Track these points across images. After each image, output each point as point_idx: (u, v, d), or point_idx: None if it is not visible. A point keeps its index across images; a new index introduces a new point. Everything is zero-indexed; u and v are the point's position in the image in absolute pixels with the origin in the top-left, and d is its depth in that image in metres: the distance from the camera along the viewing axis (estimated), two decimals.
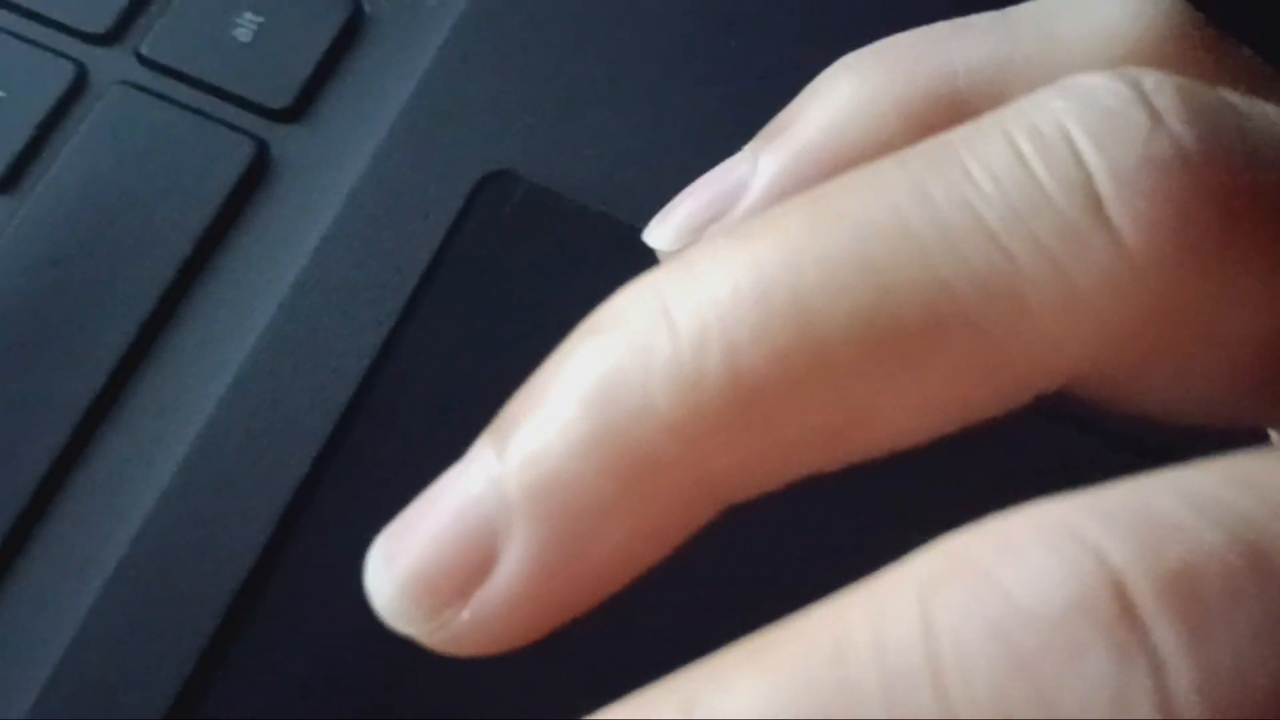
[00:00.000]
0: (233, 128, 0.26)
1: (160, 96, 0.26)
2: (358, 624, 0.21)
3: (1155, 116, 0.13)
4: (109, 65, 0.26)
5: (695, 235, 0.18)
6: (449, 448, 0.16)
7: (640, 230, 0.20)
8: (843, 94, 0.18)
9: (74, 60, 0.26)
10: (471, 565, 0.14)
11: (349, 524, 0.23)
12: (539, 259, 0.25)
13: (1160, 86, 0.14)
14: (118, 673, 0.22)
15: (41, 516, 0.23)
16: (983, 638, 0.11)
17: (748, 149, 0.19)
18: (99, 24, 0.26)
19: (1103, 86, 0.14)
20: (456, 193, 0.25)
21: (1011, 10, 0.18)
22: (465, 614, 0.14)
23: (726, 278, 0.14)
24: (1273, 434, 0.16)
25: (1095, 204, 0.13)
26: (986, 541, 0.12)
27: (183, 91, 0.26)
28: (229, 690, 0.22)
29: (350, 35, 0.27)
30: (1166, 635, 0.11)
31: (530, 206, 0.25)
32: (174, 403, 0.24)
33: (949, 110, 0.17)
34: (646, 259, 0.19)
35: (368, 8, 0.27)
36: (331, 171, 0.26)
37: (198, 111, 0.26)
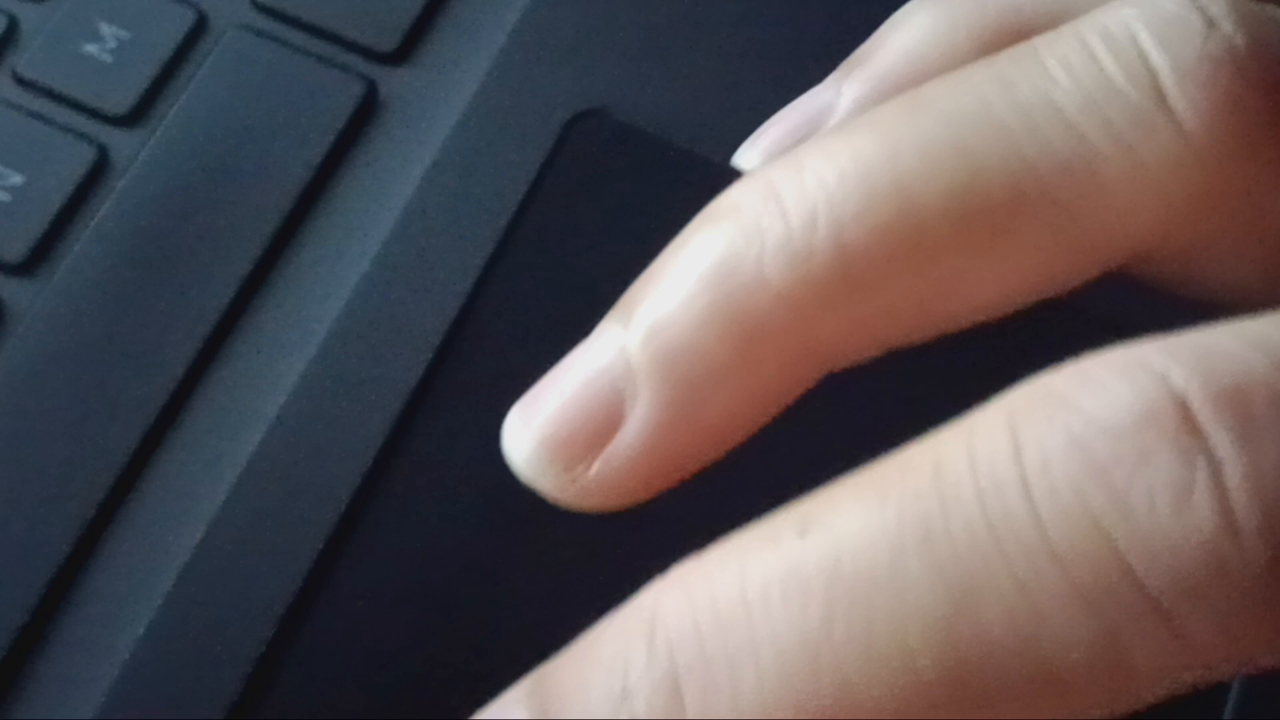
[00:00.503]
0: (343, 69, 0.27)
1: (275, 39, 0.27)
2: (419, 618, 0.22)
3: (1210, 21, 0.15)
4: (227, 10, 0.27)
5: None
6: (543, 366, 0.17)
7: (724, 165, 0.21)
8: (920, 26, 0.19)
9: (194, 6, 0.27)
10: (600, 424, 0.16)
11: (453, 437, 0.24)
12: (628, 194, 0.26)
13: None
14: (189, 664, 0.22)
15: (162, 439, 0.24)
16: (1065, 449, 0.13)
17: (832, 78, 0.20)
18: None
19: None
20: (550, 130, 0.26)
21: None
22: (595, 467, 0.16)
23: (831, 165, 0.15)
24: None
25: (1159, 94, 0.15)
26: (1067, 375, 0.13)
27: (296, 35, 0.27)
28: (293, 688, 0.22)
29: None
30: (1221, 439, 0.12)
31: (619, 143, 0.26)
32: (291, 326, 0.25)
33: (1018, 39, 0.18)
34: None
35: None
36: (435, 110, 0.27)
37: (310, 54, 0.27)
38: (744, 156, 0.21)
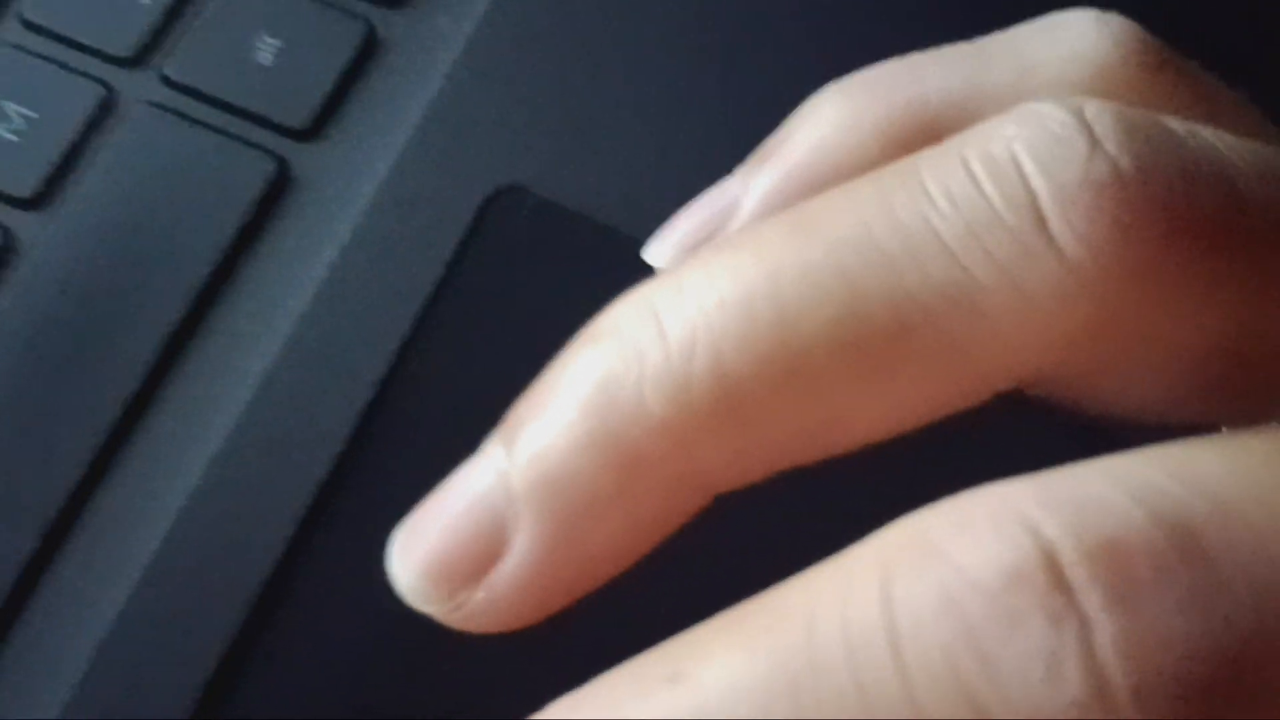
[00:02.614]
0: (254, 146, 0.26)
1: (184, 116, 0.27)
2: (377, 621, 0.23)
3: (1094, 141, 0.15)
4: (135, 86, 0.27)
5: (690, 253, 0.19)
6: (461, 448, 0.17)
7: (643, 244, 0.21)
8: (826, 119, 0.19)
9: (102, 82, 0.27)
10: (483, 551, 0.16)
11: (368, 523, 0.24)
12: (547, 270, 0.26)
13: (1100, 113, 0.15)
14: (148, 673, 0.22)
15: (73, 522, 0.24)
16: (936, 609, 0.12)
17: (739, 172, 0.20)
18: (125, 47, 0.27)
19: (1048, 114, 0.15)
20: (468, 207, 0.26)
21: (985, 39, 0.19)
22: (479, 594, 0.16)
23: (713, 289, 0.15)
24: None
25: (1040, 221, 0.14)
26: (939, 522, 0.13)
27: (206, 112, 0.27)
28: (255, 688, 0.22)
29: (365, 57, 0.28)
30: (1091, 598, 0.12)
31: (539, 220, 0.26)
32: (200, 410, 0.25)
33: (925, 133, 0.18)
34: (648, 271, 0.20)
35: (382, 31, 0.28)
36: (349, 187, 0.27)
37: (221, 131, 0.26)
38: (652, 252, 0.20)
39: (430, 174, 0.27)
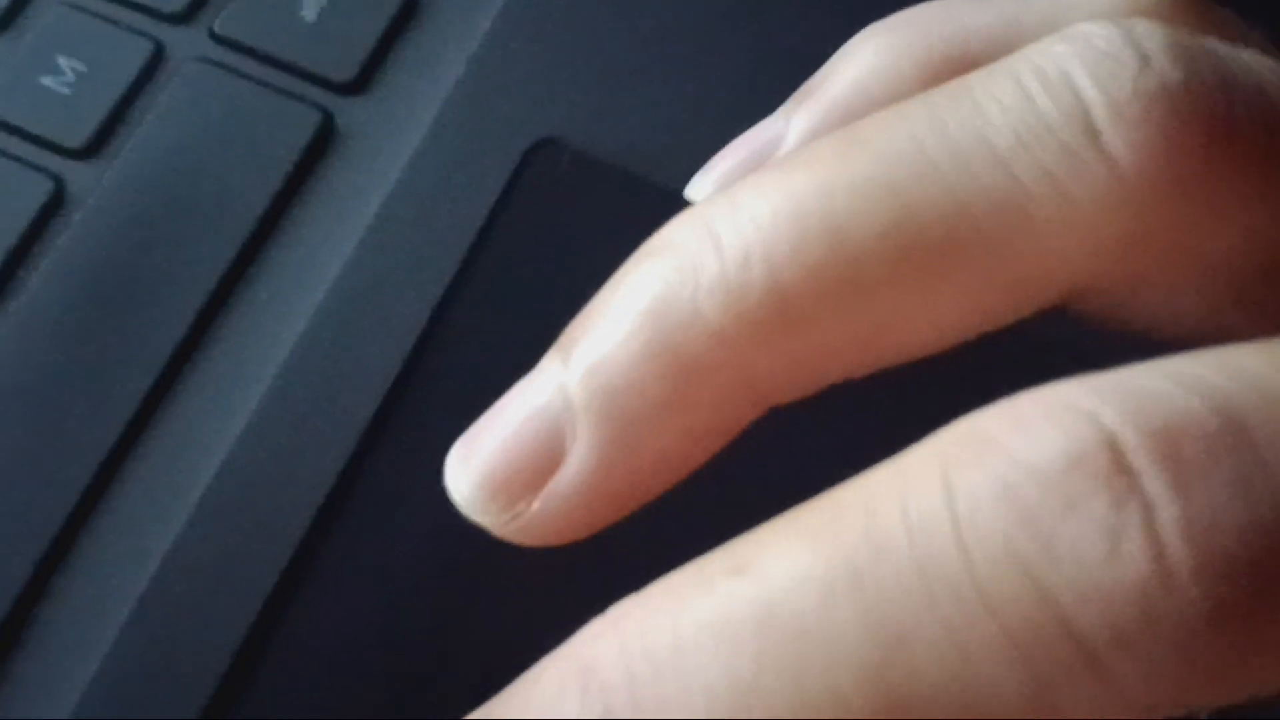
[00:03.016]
0: (300, 100, 0.27)
1: (232, 71, 0.27)
2: (402, 603, 0.23)
3: (1144, 57, 0.15)
4: (184, 42, 0.27)
5: None
6: (501, 392, 0.17)
7: (678, 193, 0.22)
8: (867, 57, 0.19)
9: (152, 38, 0.27)
10: (541, 462, 0.16)
11: (409, 469, 0.24)
12: (584, 220, 0.26)
13: (1150, 32, 0.15)
14: (163, 669, 0.22)
15: (117, 469, 0.24)
16: (995, 495, 0.13)
17: (781, 110, 0.21)
18: (175, 4, 0.28)
19: (1098, 32, 0.15)
20: (508, 159, 0.26)
21: None
22: (536, 505, 0.16)
23: (766, 203, 0.15)
24: None
25: (1092, 132, 0.15)
26: (998, 417, 0.13)
27: (253, 67, 0.27)
28: (272, 683, 0.22)
29: (408, 13, 0.28)
30: (1154, 481, 0.12)
31: (576, 171, 0.26)
32: (246, 357, 0.25)
33: (964, 71, 0.18)
34: None
35: None
36: (392, 140, 0.27)
37: (267, 85, 0.27)
38: (695, 188, 0.21)
39: (471, 127, 0.27)
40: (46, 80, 0.27)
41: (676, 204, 0.21)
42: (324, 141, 0.27)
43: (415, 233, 0.26)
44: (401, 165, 0.26)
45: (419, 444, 0.24)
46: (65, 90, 0.27)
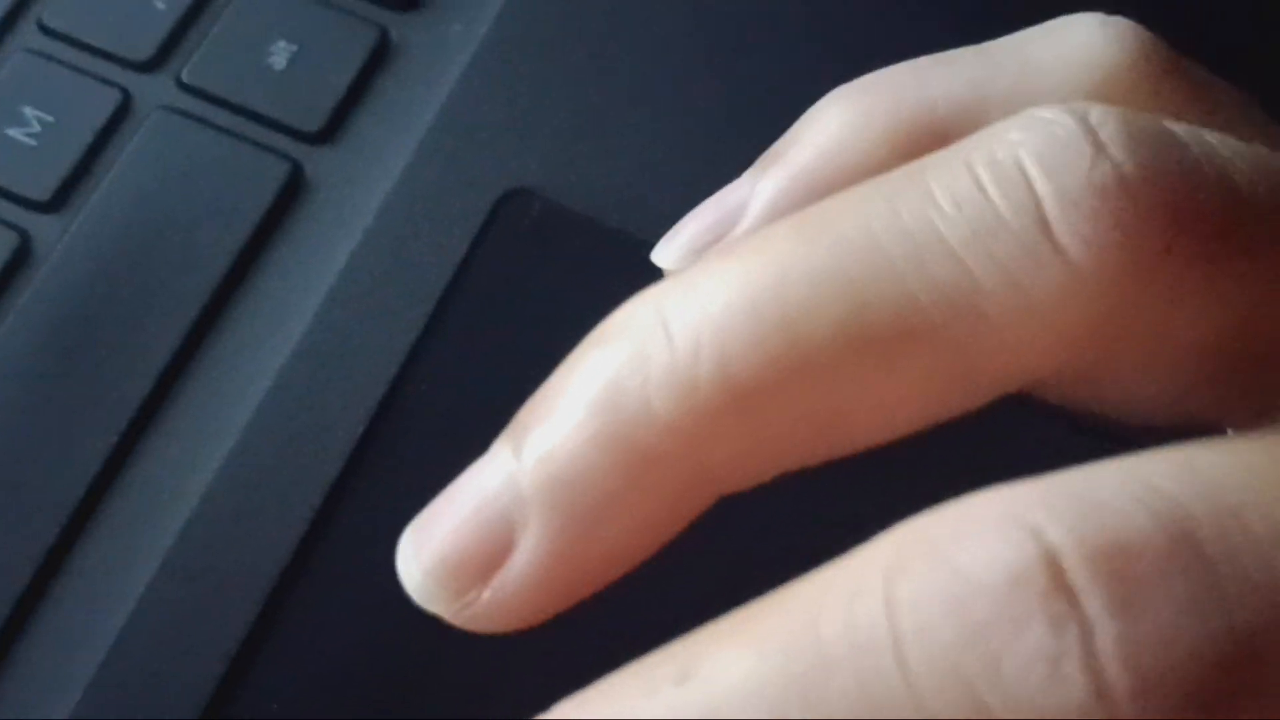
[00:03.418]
0: (268, 149, 0.27)
1: (200, 120, 0.27)
2: (385, 622, 0.23)
3: (1099, 146, 0.15)
4: (152, 91, 0.27)
5: (698, 256, 0.20)
6: (470, 448, 0.17)
7: (647, 243, 0.21)
8: (833, 122, 0.19)
9: (119, 86, 0.27)
10: (491, 552, 0.16)
11: (379, 522, 0.24)
12: (555, 272, 0.26)
13: (1104, 118, 0.15)
14: (160, 672, 0.22)
15: (87, 521, 0.24)
16: (939, 611, 0.12)
17: (747, 174, 0.20)
18: (142, 52, 0.27)
19: (1053, 119, 0.15)
20: (478, 209, 0.26)
21: (991, 43, 0.19)
22: (486, 594, 0.16)
23: (719, 292, 0.15)
24: (1230, 431, 0.18)
25: (1045, 225, 0.14)
26: (944, 524, 0.13)
27: (221, 116, 0.27)
28: (266, 686, 0.23)
29: (378, 62, 0.28)
30: (1093, 602, 0.12)
31: (547, 222, 0.26)
32: (215, 409, 0.25)
33: (931, 137, 0.18)
34: (655, 272, 0.20)
35: (394, 36, 0.28)
36: (361, 190, 0.27)
37: (235, 135, 0.27)
38: (660, 255, 0.21)
39: (441, 177, 0.27)
40: (12, 131, 0.27)
41: (646, 254, 0.20)
42: (292, 192, 0.27)
43: (385, 283, 0.26)
44: (371, 216, 0.27)
45: (388, 497, 0.24)
46: (31, 141, 0.26)
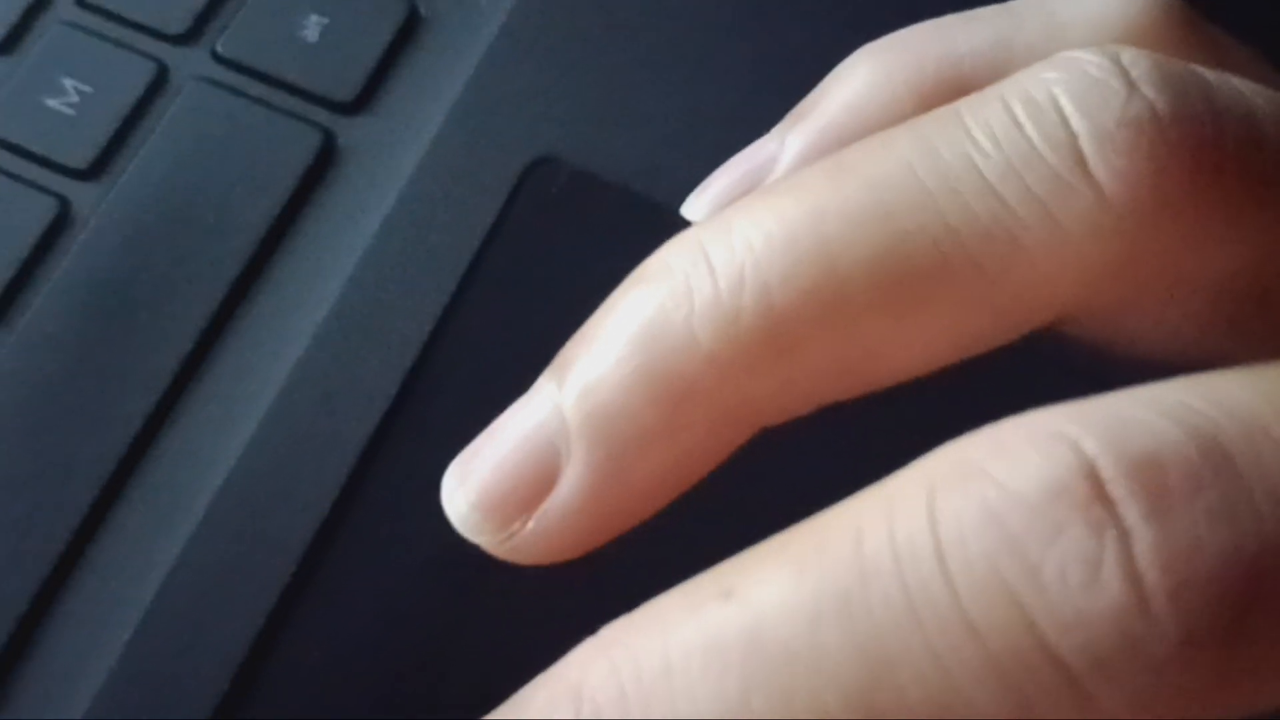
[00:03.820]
0: (301, 119, 0.27)
1: (234, 91, 0.27)
2: (420, 580, 0.23)
3: (1131, 84, 0.15)
4: (187, 63, 0.28)
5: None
6: (498, 409, 0.18)
7: (674, 210, 0.22)
8: (860, 78, 0.20)
9: (155, 59, 0.28)
10: (535, 482, 0.16)
11: (410, 486, 0.25)
12: (581, 237, 0.26)
13: (1137, 59, 0.15)
14: (174, 671, 0.22)
15: (126, 483, 0.24)
16: (978, 521, 0.13)
17: (775, 130, 0.21)
18: (177, 25, 0.28)
19: (1087, 59, 0.16)
20: (506, 177, 0.27)
21: (1016, 1, 0.20)
22: (530, 525, 0.16)
23: (758, 228, 0.16)
24: None
25: (1079, 159, 0.15)
26: (982, 443, 0.13)
27: (255, 87, 0.27)
28: (281, 685, 0.23)
29: (408, 34, 0.28)
30: (1131, 509, 0.13)
31: (573, 189, 0.27)
32: (249, 373, 0.25)
33: (956, 91, 0.18)
34: None
35: (423, 9, 0.29)
36: (392, 159, 0.27)
37: (269, 105, 0.27)
38: (691, 208, 0.21)
39: (470, 146, 0.27)
40: (51, 101, 0.27)
41: (673, 220, 0.21)
42: (325, 161, 0.27)
43: (416, 249, 0.26)
44: (401, 184, 0.27)
45: (419, 459, 0.25)
46: (69, 111, 0.27)
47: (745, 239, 0.16)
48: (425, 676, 0.23)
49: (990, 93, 0.16)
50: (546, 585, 0.22)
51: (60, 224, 0.26)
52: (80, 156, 0.27)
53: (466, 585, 0.24)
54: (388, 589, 0.24)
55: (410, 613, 0.23)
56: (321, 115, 0.27)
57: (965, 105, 0.16)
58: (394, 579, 0.24)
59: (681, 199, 0.22)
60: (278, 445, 0.25)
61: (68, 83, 0.27)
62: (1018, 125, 0.15)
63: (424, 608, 0.23)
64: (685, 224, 0.21)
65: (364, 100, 0.28)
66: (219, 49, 0.28)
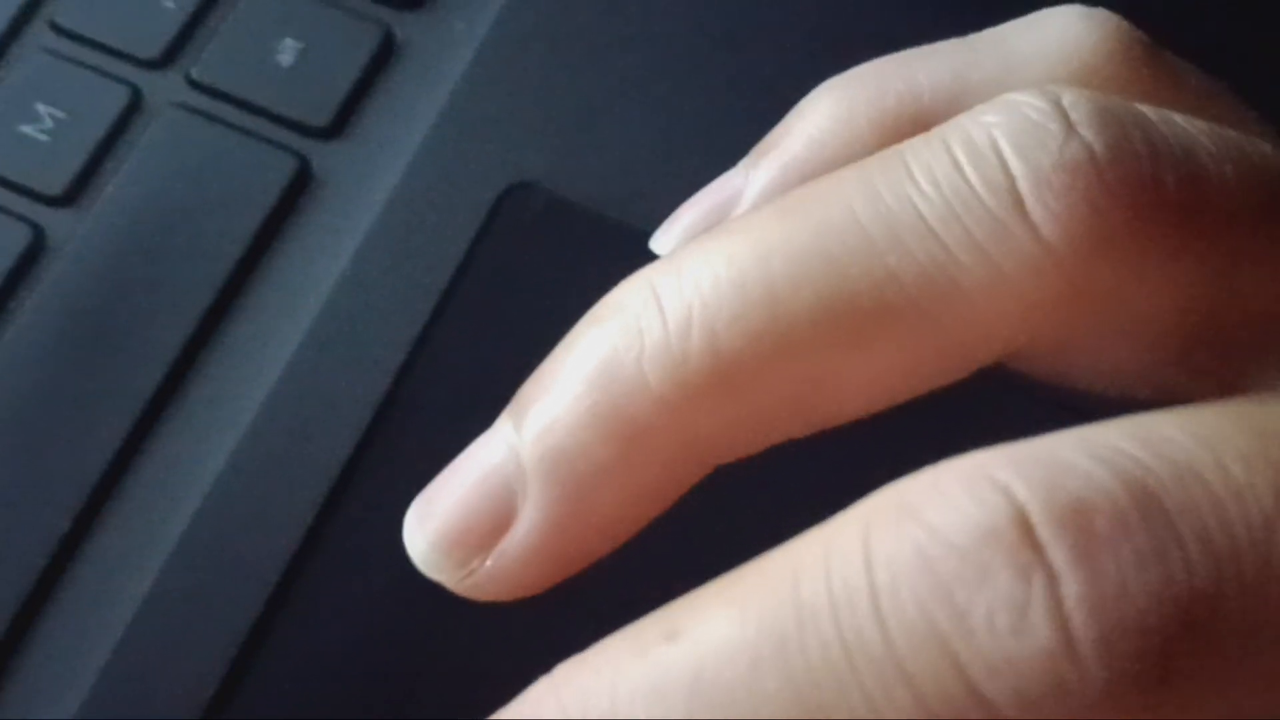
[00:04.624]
0: (276, 145, 0.27)
1: (209, 117, 0.27)
2: (394, 600, 0.23)
3: (1070, 127, 0.15)
4: (162, 88, 0.28)
5: None
6: (473, 433, 0.18)
7: (649, 235, 0.22)
8: (823, 113, 0.20)
9: (129, 84, 0.28)
10: (493, 522, 0.16)
11: (384, 508, 0.25)
12: (557, 263, 0.27)
13: (1077, 101, 0.16)
14: (165, 670, 0.23)
15: (102, 507, 0.24)
16: (911, 565, 0.13)
17: (741, 164, 0.21)
18: (152, 50, 0.28)
19: (1026, 102, 0.16)
20: (482, 203, 0.27)
21: (975, 35, 0.20)
22: (488, 563, 0.16)
23: (708, 268, 0.16)
24: None
25: (1018, 202, 0.15)
26: (919, 486, 0.14)
27: (230, 112, 0.28)
28: (271, 683, 0.23)
29: (383, 59, 0.28)
30: (1059, 553, 0.13)
31: (549, 215, 0.27)
32: (225, 400, 0.25)
33: (915, 126, 0.19)
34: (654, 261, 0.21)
35: (399, 34, 0.29)
36: (367, 184, 0.27)
37: (244, 130, 0.27)
38: (658, 242, 0.21)
39: (445, 171, 0.27)
40: (25, 128, 0.27)
41: (646, 245, 0.21)
42: (300, 186, 0.27)
43: (391, 276, 0.27)
44: (377, 209, 0.27)
45: (394, 482, 0.25)
46: (44, 137, 0.27)
47: (695, 280, 0.16)
48: (423, 663, 0.23)
49: (934, 135, 0.16)
50: (520, 608, 0.23)
51: (35, 251, 0.26)
52: (55, 183, 0.27)
53: (444, 597, 0.24)
54: (366, 601, 0.24)
55: (390, 617, 0.24)
56: (296, 141, 0.28)
57: (909, 148, 0.16)
58: (371, 593, 0.24)
59: (656, 223, 0.22)
60: (254, 468, 0.25)
61: (42, 109, 0.27)
62: (958, 168, 0.15)
63: (404, 610, 0.24)
64: (654, 255, 0.21)
65: (339, 126, 0.28)
66: (194, 74, 0.28)
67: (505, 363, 0.26)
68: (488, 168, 0.27)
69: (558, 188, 0.27)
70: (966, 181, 0.15)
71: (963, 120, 0.16)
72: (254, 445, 0.25)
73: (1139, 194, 0.15)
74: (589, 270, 0.27)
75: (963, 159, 0.15)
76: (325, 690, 0.23)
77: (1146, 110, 0.16)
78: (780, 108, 0.21)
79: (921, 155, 0.16)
